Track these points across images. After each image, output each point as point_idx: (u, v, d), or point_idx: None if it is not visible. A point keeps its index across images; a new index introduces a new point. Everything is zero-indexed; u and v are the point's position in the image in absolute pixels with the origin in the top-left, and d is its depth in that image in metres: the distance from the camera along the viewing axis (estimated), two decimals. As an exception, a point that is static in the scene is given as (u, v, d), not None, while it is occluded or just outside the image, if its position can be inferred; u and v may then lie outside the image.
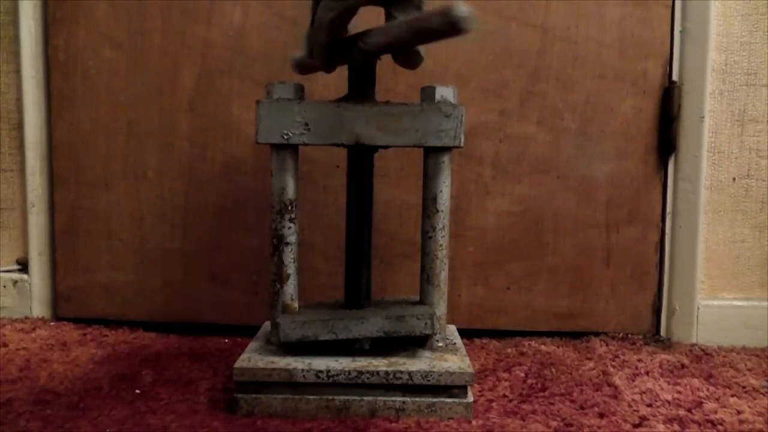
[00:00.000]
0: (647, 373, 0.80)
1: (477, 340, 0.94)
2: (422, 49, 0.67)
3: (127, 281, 1.00)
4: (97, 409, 0.66)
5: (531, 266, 0.97)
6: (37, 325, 0.98)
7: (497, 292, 0.98)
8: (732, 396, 0.73)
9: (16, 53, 1.00)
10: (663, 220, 0.97)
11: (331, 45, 0.65)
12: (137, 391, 0.72)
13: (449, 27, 0.57)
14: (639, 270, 0.97)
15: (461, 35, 0.58)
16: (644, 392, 0.74)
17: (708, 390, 0.75)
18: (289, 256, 0.70)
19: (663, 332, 0.97)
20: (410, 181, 0.96)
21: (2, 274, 1.03)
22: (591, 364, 0.84)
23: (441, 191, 0.70)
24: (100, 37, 0.97)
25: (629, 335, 0.97)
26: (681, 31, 0.95)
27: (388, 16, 0.67)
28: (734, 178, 0.96)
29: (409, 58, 0.69)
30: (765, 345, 0.94)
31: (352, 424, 0.63)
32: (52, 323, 1.00)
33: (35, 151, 1.01)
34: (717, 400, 0.72)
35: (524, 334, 0.97)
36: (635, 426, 0.65)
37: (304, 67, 0.75)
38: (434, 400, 0.66)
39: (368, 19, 0.68)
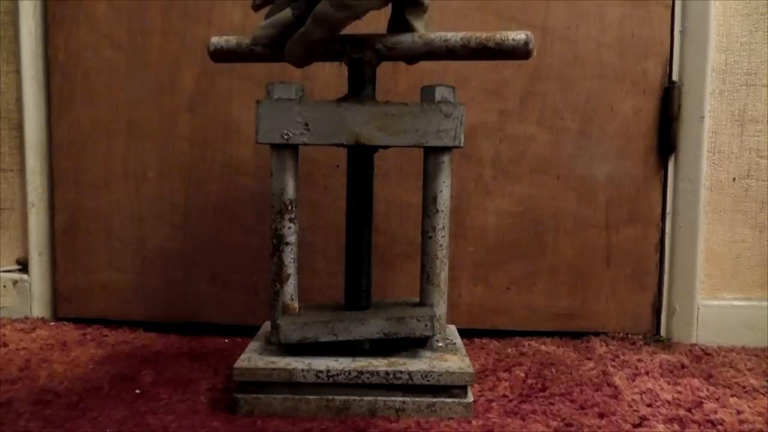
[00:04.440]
0: (647, 373, 0.80)
1: (477, 340, 0.94)
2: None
3: (127, 281, 1.00)
4: (97, 409, 0.66)
5: (531, 266, 0.97)
6: (37, 325, 0.98)
7: (497, 292, 0.98)
8: (732, 396, 0.73)
9: (16, 53, 1.00)
10: (663, 220, 0.97)
11: (326, 43, 0.65)
12: (137, 391, 0.72)
13: (526, 53, 0.66)
14: (639, 270, 0.97)
15: (527, 59, 0.67)
16: (644, 392, 0.74)
17: (708, 390, 0.75)
18: (289, 256, 0.70)
19: (663, 332, 0.97)
20: (410, 181, 0.96)
21: (2, 274, 1.03)
22: (591, 364, 0.84)
23: (441, 191, 0.70)
24: (100, 37, 0.97)
25: (629, 335, 0.97)
26: (681, 31, 0.95)
27: (397, 17, 0.68)
28: (734, 178, 0.96)
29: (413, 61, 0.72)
30: (765, 345, 0.94)
31: (352, 424, 0.63)
32: (52, 323, 1.00)
33: (35, 151, 1.01)
34: (717, 400, 0.72)
35: (524, 334, 0.97)
36: (635, 426, 0.65)
37: (233, 55, 0.71)
38: (434, 400, 0.66)
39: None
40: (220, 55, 0.72)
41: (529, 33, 0.66)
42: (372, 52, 0.68)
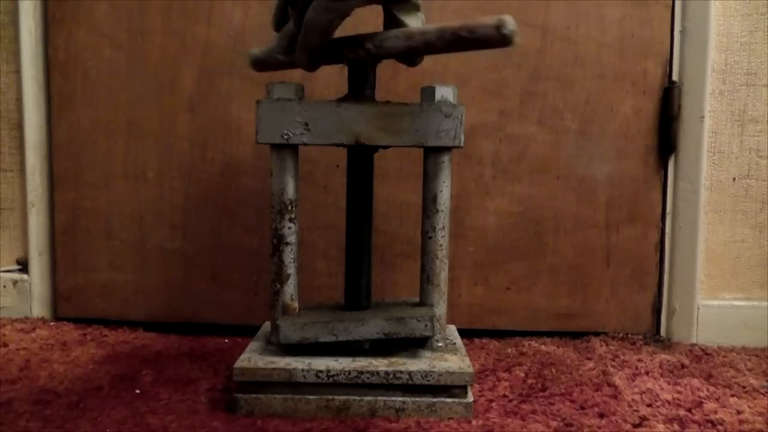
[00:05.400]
0: (647, 373, 0.80)
1: (477, 340, 0.94)
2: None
3: (127, 281, 1.00)
4: (97, 409, 0.66)
5: (531, 266, 0.97)
6: (37, 325, 0.98)
7: (497, 292, 0.98)
8: (732, 396, 0.73)
9: (16, 53, 1.00)
10: (663, 220, 0.97)
11: (324, 46, 0.65)
12: (137, 391, 0.72)
13: (501, 39, 0.60)
14: (639, 270, 0.97)
15: (509, 47, 0.61)
16: (644, 392, 0.74)
17: (708, 390, 0.75)
18: (289, 256, 0.70)
19: (663, 332, 0.98)
20: (410, 181, 0.96)
21: (2, 274, 1.03)
22: (591, 364, 0.84)
23: (441, 191, 0.70)
24: (100, 37, 0.97)
25: (629, 335, 0.97)
26: (681, 31, 0.95)
27: (389, 15, 0.68)
28: (734, 178, 0.96)
29: (413, 59, 0.71)
30: (765, 345, 0.94)
31: (352, 424, 0.63)
32: (52, 323, 1.00)
33: (35, 151, 1.01)
34: (717, 400, 0.72)
35: (524, 334, 0.97)
36: (635, 426, 0.65)
37: (266, 64, 0.74)
38: (434, 400, 0.66)
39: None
40: (259, 65, 0.74)
41: (503, 17, 0.59)
42: (363, 51, 0.68)
